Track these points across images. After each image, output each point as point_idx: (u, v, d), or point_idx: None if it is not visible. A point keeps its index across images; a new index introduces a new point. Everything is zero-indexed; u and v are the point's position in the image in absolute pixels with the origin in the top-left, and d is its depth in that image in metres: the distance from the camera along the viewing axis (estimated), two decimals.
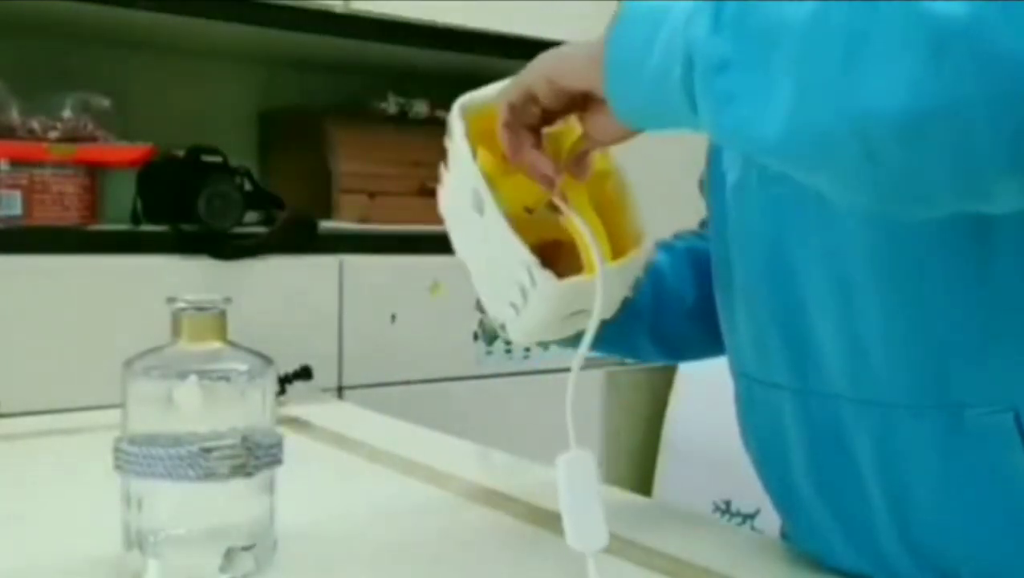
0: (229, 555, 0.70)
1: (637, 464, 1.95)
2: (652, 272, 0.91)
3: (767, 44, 0.55)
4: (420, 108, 1.77)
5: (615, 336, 0.88)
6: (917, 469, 0.68)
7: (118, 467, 0.70)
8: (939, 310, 0.65)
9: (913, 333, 0.66)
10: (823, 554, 0.78)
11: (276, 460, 0.73)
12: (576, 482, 0.71)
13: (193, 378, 0.70)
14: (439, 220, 0.84)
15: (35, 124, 1.39)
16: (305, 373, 1.46)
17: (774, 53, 0.55)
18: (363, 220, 1.67)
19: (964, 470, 0.66)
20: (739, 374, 0.82)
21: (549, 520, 0.88)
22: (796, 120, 0.53)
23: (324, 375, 1.51)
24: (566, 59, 0.72)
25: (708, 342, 0.92)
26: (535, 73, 0.73)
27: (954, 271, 0.64)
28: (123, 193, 1.51)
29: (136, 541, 0.71)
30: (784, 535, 0.88)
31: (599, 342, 0.81)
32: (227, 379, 0.71)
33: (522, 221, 0.75)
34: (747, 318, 0.78)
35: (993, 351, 0.64)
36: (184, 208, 1.45)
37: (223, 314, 0.73)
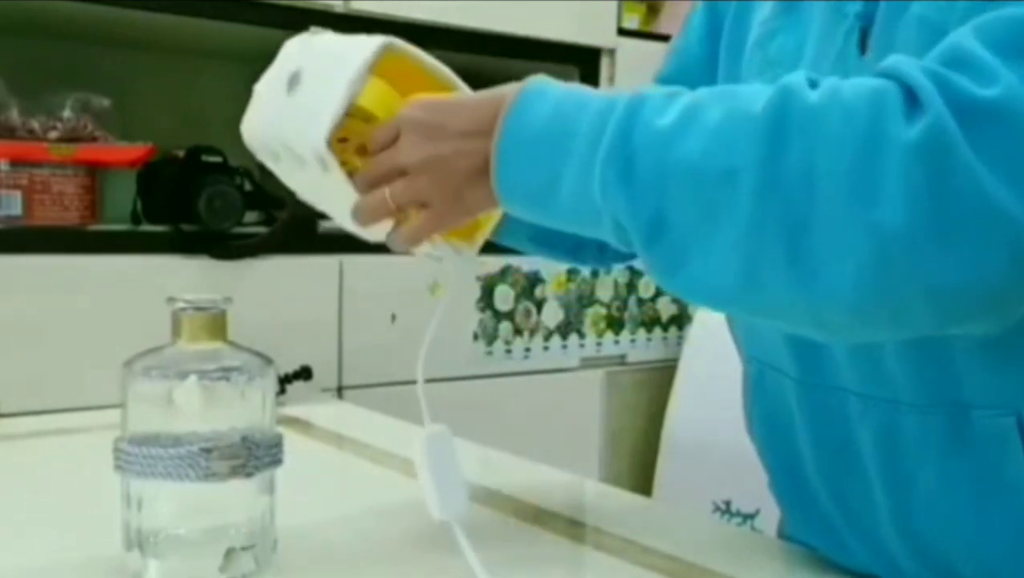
0: (229, 555, 0.70)
1: (637, 464, 1.95)
2: None
3: (701, 215, 0.58)
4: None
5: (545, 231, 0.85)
6: (920, 465, 0.68)
7: (118, 467, 0.70)
8: None
9: (935, 336, 0.66)
10: (823, 547, 0.79)
11: (276, 460, 0.73)
12: (436, 457, 0.75)
13: (193, 378, 0.70)
14: None
15: (35, 124, 1.39)
16: (305, 373, 1.46)
17: (711, 226, 0.58)
18: None
19: (966, 470, 0.66)
20: (750, 357, 0.82)
21: (549, 520, 0.88)
22: (749, 289, 0.58)
23: (324, 375, 1.51)
24: (450, 160, 0.70)
25: None
26: (416, 157, 0.71)
27: None
28: (123, 193, 1.51)
29: (136, 541, 0.71)
30: (781, 534, 0.88)
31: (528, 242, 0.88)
32: (227, 379, 0.71)
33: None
34: None
35: (1001, 354, 0.64)
36: (184, 208, 1.45)
37: (223, 314, 0.73)
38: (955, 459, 0.67)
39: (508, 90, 0.68)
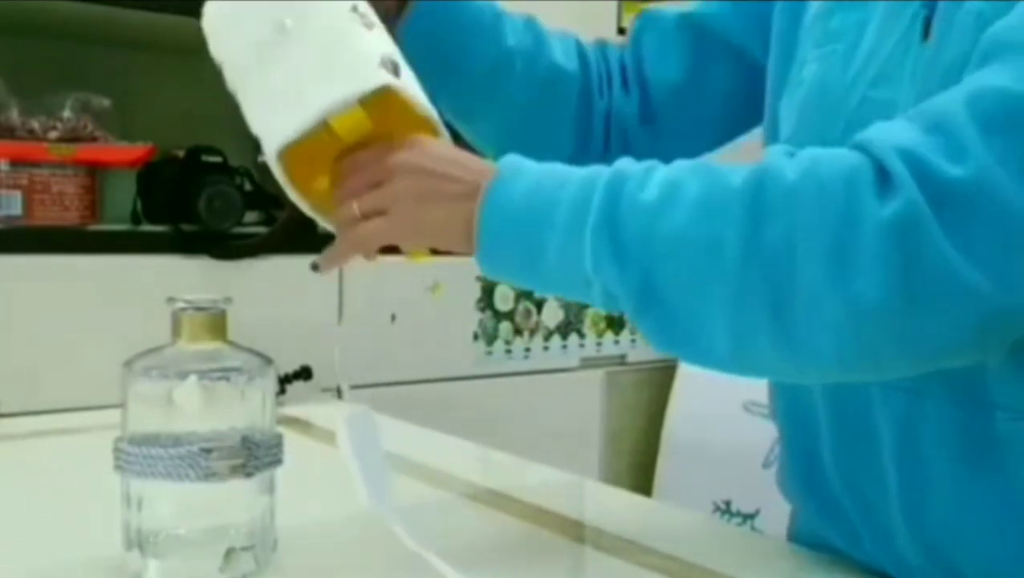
0: (229, 555, 0.70)
1: (637, 464, 1.95)
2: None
3: (690, 283, 0.61)
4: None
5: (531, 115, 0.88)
6: (937, 461, 0.68)
7: (118, 467, 0.70)
8: None
9: None
10: (833, 536, 0.79)
11: (276, 460, 0.73)
12: (359, 441, 0.74)
13: (193, 378, 0.70)
14: None
15: (35, 124, 1.39)
16: (305, 373, 1.46)
17: (700, 293, 0.61)
18: None
19: (982, 470, 0.66)
20: None
21: (549, 520, 0.88)
22: (738, 353, 0.62)
23: (324, 375, 1.51)
24: (430, 209, 0.71)
25: (694, 126, 0.92)
26: (399, 200, 0.72)
27: None
28: (123, 193, 1.51)
29: (136, 541, 0.71)
30: (791, 534, 0.88)
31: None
32: (227, 379, 0.71)
33: None
34: None
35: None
36: (184, 208, 1.44)
37: (223, 314, 0.73)
38: (972, 458, 0.67)
39: (489, 165, 0.70)
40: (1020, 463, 0.65)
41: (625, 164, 0.66)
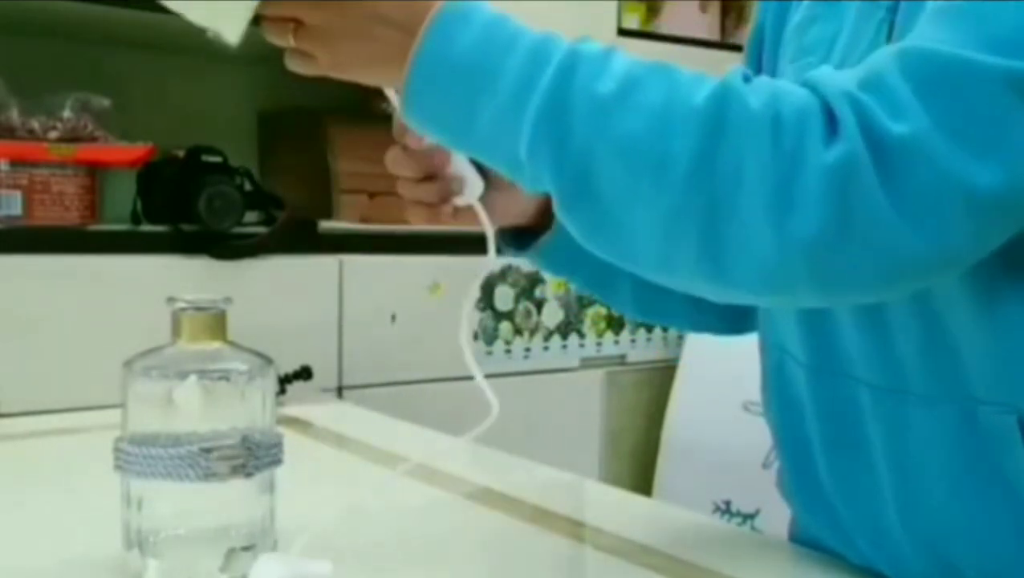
0: (229, 555, 0.70)
1: (637, 464, 1.95)
2: None
3: (627, 191, 0.61)
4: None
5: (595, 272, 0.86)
6: (928, 459, 0.68)
7: (118, 467, 0.70)
8: (960, 306, 0.66)
9: (934, 326, 0.67)
10: (829, 541, 0.79)
11: (276, 460, 0.73)
12: None
13: (193, 378, 0.70)
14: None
15: (35, 124, 1.39)
16: (305, 373, 1.46)
17: (635, 203, 0.61)
18: (363, 220, 1.67)
19: (972, 466, 0.67)
20: (770, 345, 0.82)
21: (549, 520, 0.88)
22: (662, 263, 0.63)
23: (324, 375, 1.51)
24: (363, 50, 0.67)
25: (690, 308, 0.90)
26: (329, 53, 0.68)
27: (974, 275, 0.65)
28: (123, 193, 1.51)
29: (136, 541, 0.71)
30: (792, 536, 0.88)
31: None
32: (227, 379, 0.71)
33: None
34: None
35: (1005, 351, 0.65)
36: (184, 208, 1.44)
37: (223, 314, 0.73)
38: (962, 454, 0.67)
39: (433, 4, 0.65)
40: (1009, 456, 0.65)
41: (583, 44, 0.63)
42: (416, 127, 0.68)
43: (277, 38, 0.69)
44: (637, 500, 1.06)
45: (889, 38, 0.69)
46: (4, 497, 0.95)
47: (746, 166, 0.58)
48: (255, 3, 0.67)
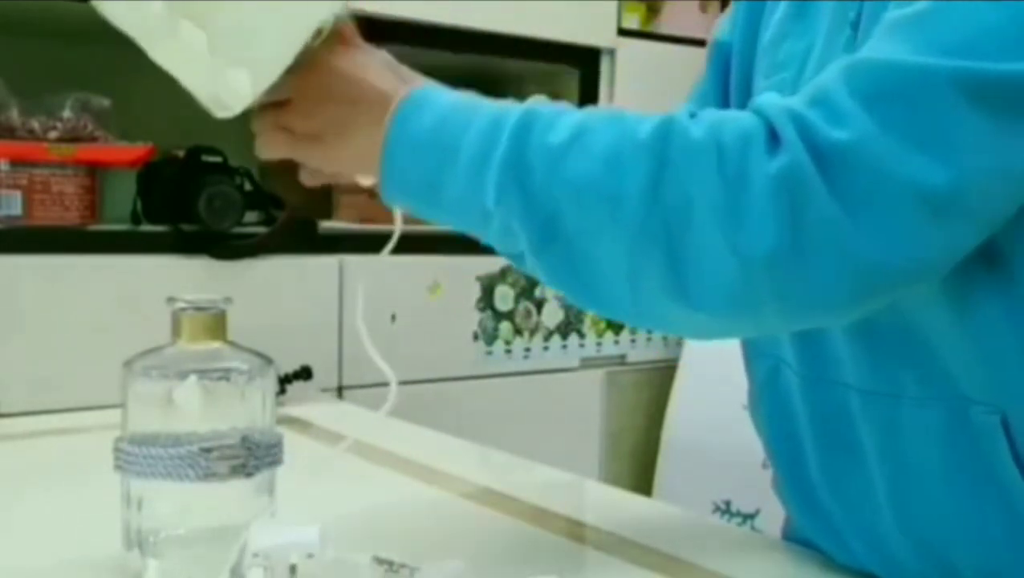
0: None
1: (637, 464, 1.95)
2: None
3: (590, 228, 0.63)
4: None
5: None
6: (921, 460, 0.69)
7: (118, 467, 0.70)
8: (938, 309, 0.66)
9: (917, 331, 0.67)
10: (827, 546, 0.79)
11: (276, 460, 0.73)
12: None
13: (193, 378, 0.70)
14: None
15: (35, 124, 1.39)
16: (305, 373, 1.46)
17: (599, 238, 0.63)
18: (363, 220, 1.67)
19: (964, 465, 0.67)
20: (763, 354, 0.82)
21: (549, 520, 0.88)
22: (633, 297, 0.64)
23: (324, 375, 1.51)
24: (339, 147, 0.74)
25: None
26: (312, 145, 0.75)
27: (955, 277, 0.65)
28: (123, 193, 1.51)
29: (136, 541, 0.71)
30: (785, 534, 0.89)
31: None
32: (227, 379, 0.71)
33: None
34: None
35: (987, 352, 0.65)
36: (184, 208, 1.44)
37: (223, 314, 0.73)
38: (953, 454, 0.67)
39: (401, 90, 0.71)
40: (1001, 454, 0.66)
41: (535, 105, 0.67)
42: (393, 203, 0.73)
43: (269, 150, 0.77)
44: (637, 500, 1.06)
45: None
46: (4, 497, 0.95)
47: (694, 191, 0.61)
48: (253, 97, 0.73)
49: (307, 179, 0.81)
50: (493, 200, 0.65)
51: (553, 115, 0.66)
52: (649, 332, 1.94)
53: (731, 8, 0.89)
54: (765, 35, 0.81)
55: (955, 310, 0.65)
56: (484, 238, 0.70)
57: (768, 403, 0.82)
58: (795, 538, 0.85)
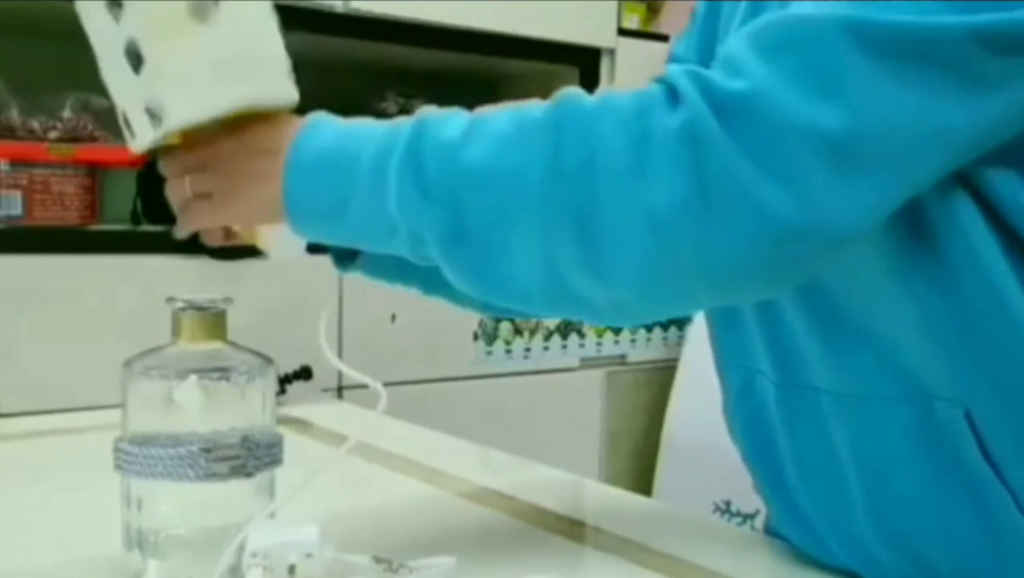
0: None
1: (637, 464, 1.95)
2: None
3: (495, 217, 0.63)
4: (420, 108, 1.76)
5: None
6: (893, 459, 0.69)
7: (118, 467, 0.70)
8: (894, 303, 0.66)
9: (878, 327, 0.68)
10: (807, 546, 0.79)
11: (276, 460, 0.73)
12: None
13: (193, 378, 0.70)
14: None
15: (35, 124, 1.39)
16: (305, 373, 1.46)
17: (506, 227, 0.63)
18: None
19: (934, 461, 0.67)
20: (736, 365, 0.82)
21: (549, 520, 0.88)
22: (551, 284, 0.63)
23: (324, 375, 1.51)
24: (240, 199, 0.74)
25: None
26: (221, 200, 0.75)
27: (909, 275, 0.65)
28: (123, 193, 1.51)
29: (136, 541, 0.71)
30: (767, 529, 0.89)
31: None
32: (227, 379, 0.71)
33: None
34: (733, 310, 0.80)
35: (948, 347, 0.65)
36: None
37: (223, 314, 0.73)
38: (923, 451, 0.67)
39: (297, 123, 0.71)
40: (968, 449, 0.66)
41: (428, 114, 0.68)
42: (302, 231, 0.72)
43: (176, 196, 0.77)
44: (637, 500, 1.05)
45: None
46: (4, 497, 0.95)
47: (595, 157, 0.60)
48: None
49: (209, 240, 0.80)
50: (395, 205, 0.65)
51: (447, 115, 0.67)
52: (649, 331, 1.94)
53: (688, 25, 0.89)
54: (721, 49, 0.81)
55: (906, 305, 0.66)
56: (396, 250, 0.69)
57: (744, 411, 0.82)
58: (774, 531, 0.86)
